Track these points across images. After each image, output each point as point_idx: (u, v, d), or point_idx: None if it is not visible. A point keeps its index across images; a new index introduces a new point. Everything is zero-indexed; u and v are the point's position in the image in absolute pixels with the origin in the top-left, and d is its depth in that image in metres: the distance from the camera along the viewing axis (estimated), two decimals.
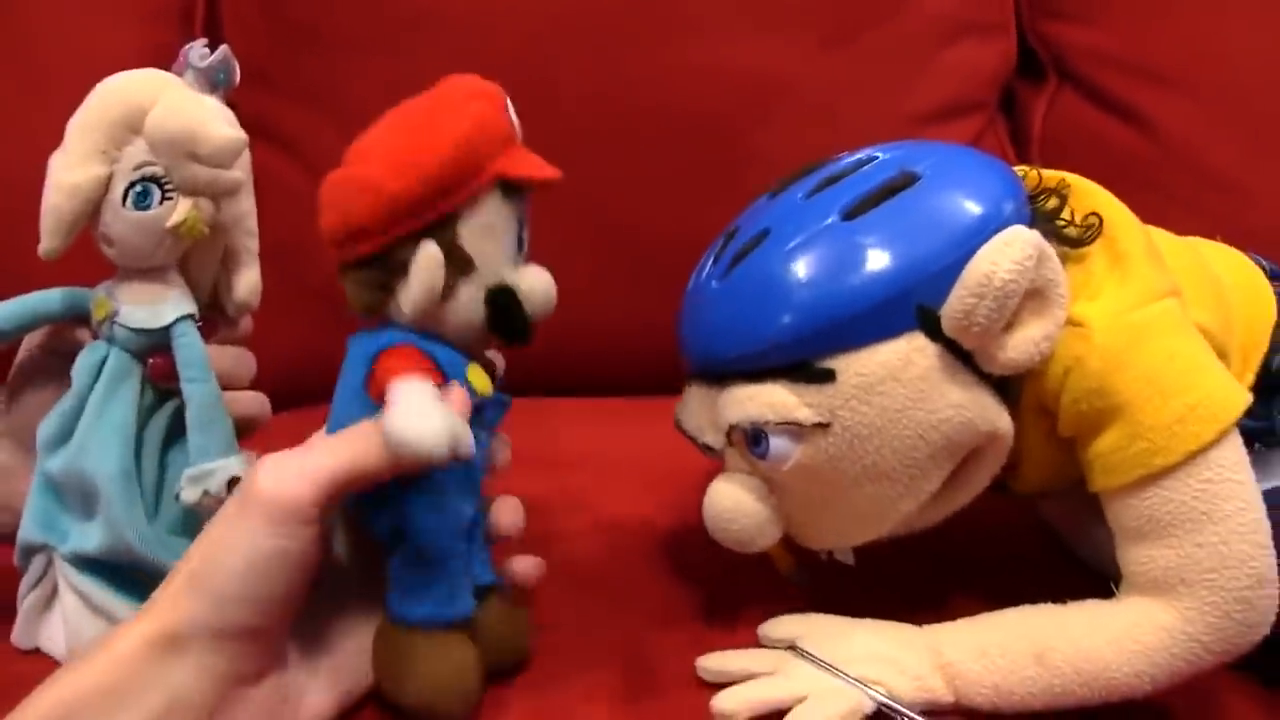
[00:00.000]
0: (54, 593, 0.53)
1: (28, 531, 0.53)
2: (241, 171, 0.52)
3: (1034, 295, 0.46)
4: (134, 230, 0.51)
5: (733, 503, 0.50)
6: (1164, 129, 0.88)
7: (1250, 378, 0.52)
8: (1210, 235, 0.59)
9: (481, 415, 0.47)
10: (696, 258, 0.54)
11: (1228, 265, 0.56)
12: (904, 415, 0.47)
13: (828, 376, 0.47)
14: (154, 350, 0.53)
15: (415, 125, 0.46)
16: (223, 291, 0.56)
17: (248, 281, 0.55)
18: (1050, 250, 0.46)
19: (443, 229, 0.45)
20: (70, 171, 0.49)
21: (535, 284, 0.48)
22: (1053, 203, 0.51)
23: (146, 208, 0.50)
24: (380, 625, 0.48)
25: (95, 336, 0.53)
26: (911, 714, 0.48)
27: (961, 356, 0.47)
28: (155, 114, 0.50)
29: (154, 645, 0.41)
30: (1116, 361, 0.47)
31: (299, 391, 0.68)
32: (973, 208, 0.47)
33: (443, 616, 0.47)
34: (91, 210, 0.50)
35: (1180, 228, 0.56)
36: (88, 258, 0.51)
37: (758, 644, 0.53)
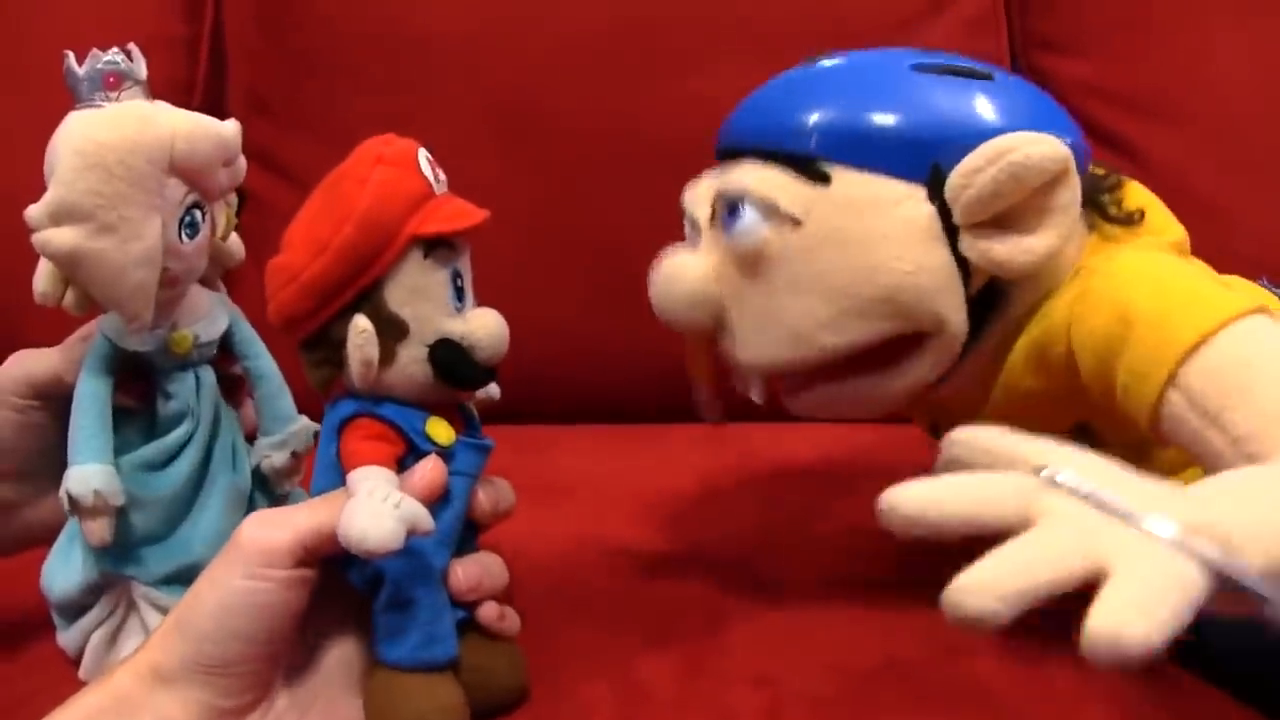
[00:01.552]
0: (122, 623, 0.54)
1: (100, 570, 0.52)
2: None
3: (1042, 210, 0.47)
4: (195, 258, 0.51)
5: (684, 264, 0.51)
6: (1151, 158, 0.89)
7: None
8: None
9: (450, 463, 0.47)
10: None
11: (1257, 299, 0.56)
12: (870, 245, 0.48)
13: (824, 178, 0.48)
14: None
15: (323, 203, 0.47)
16: (217, 256, 0.55)
17: (236, 239, 0.56)
18: (1076, 181, 0.47)
19: (369, 300, 0.46)
20: (138, 241, 0.47)
21: (479, 328, 0.48)
22: (1108, 182, 0.52)
23: (197, 233, 0.50)
24: (368, 666, 0.48)
25: (151, 382, 0.53)
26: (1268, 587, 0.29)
27: (950, 233, 0.48)
28: (180, 148, 0.49)
29: (143, 678, 0.43)
30: (1119, 278, 0.47)
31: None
32: (1030, 116, 0.48)
33: (423, 659, 0.47)
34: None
35: None
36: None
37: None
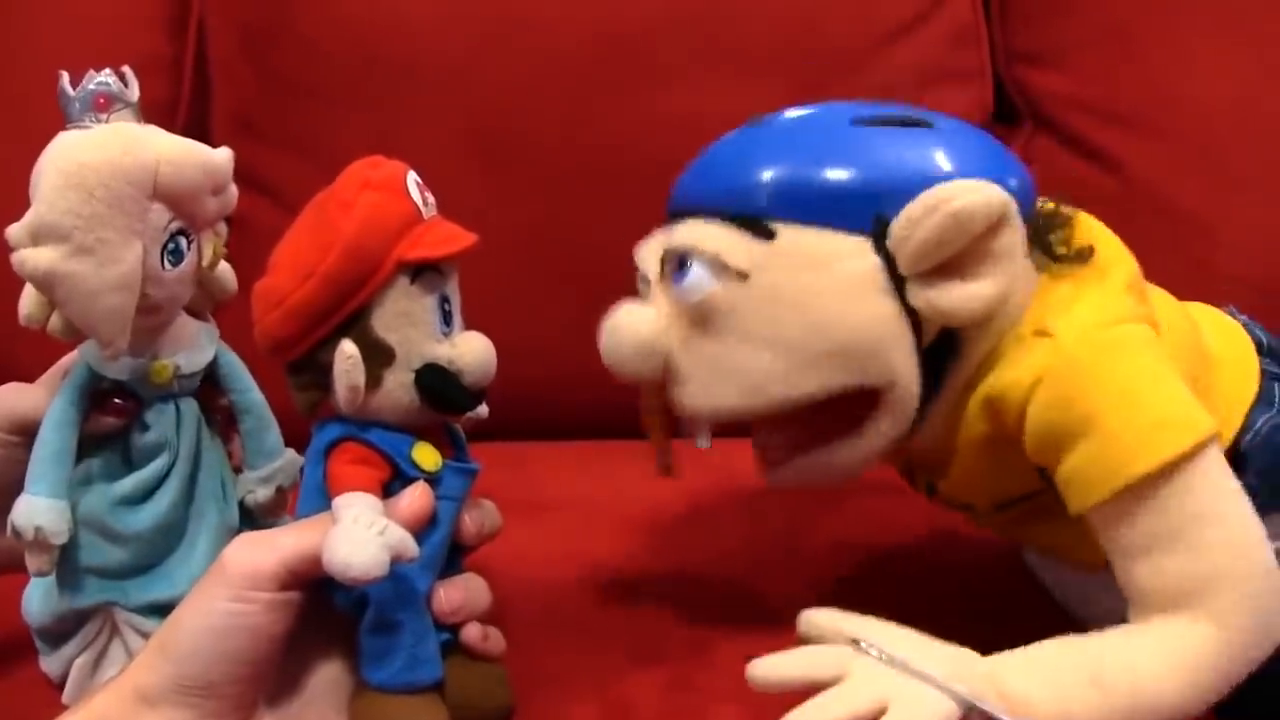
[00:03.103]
0: (105, 649, 0.54)
1: (82, 597, 0.52)
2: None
3: (985, 255, 0.47)
4: (177, 286, 0.50)
5: (633, 317, 0.51)
6: (1133, 172, 0.90)
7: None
8: (1180, 276, 0.59)
9: (436, 488, 0.48)
10: None
11: (1222, 338, 0.56)
12: (817, 299, 0.48)
13: (769, 234, 0.48)
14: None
15: (310, 226, 0.47)
16: (206, 285, 0.55)
17: (229, 271, 0.56)
18: (1019, 224, 0.47)
19: (356, 325, 0.46)
20: (115, 265, 0.47)
21: (467, 352, 0.48)
22: (1055, 220, 0.52)
23: (180, 260, 0.50)
24: (355, 688, 0.48)
25: (140, 402, 0.52)
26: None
27: (897, 284, 0.48)
28: (165, 173, 0.48)
29: (126, 700, 0.43)
30: (1087, 371, 0.47)
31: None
32: (973, 163, 0.49)
33: (408, 682, 0.47)
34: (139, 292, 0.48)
35: (1148, 267, 0.57)
36: None
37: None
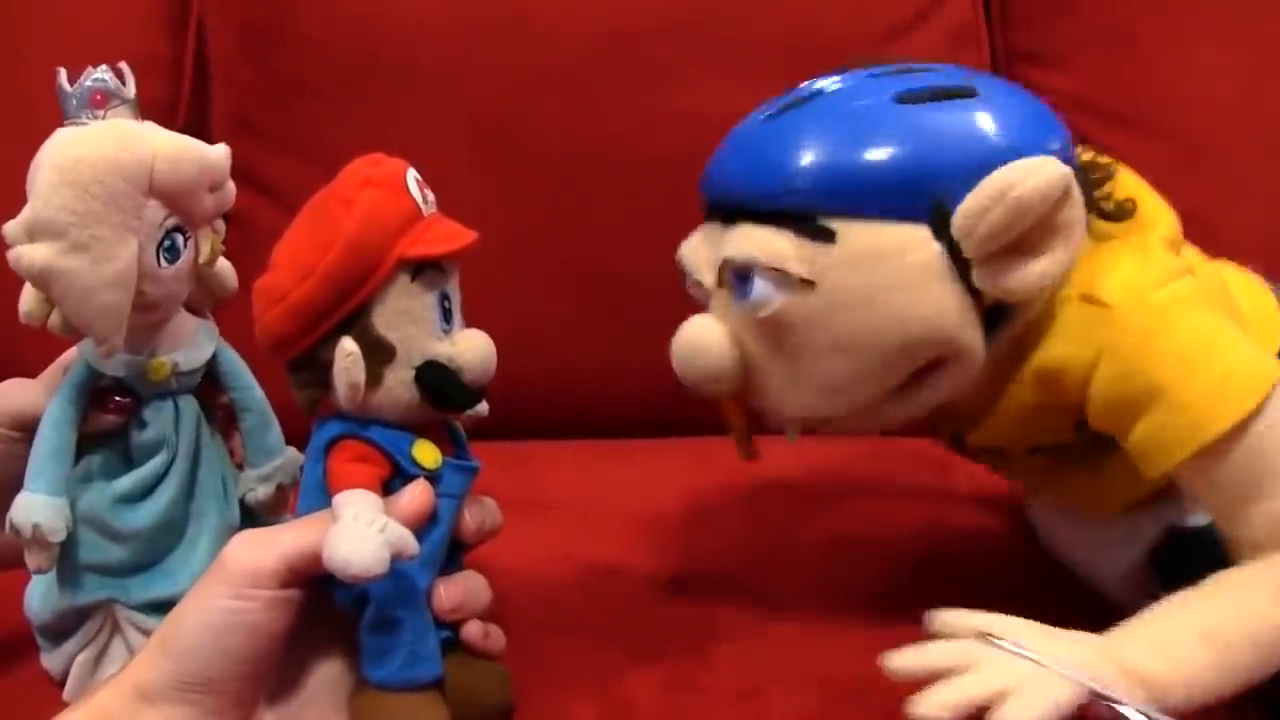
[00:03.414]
0: (106, 647, 0.54)
1: (83, 594, 0.52)
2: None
3: (1050, 231, 0.47)
4: (174, 283, 0.50)
5: (705, 335, 0.51)
6: (1132, 169, 0.90)
7: None
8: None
9: (436, 486, 0.48)
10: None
11: (1246, 293, 0.57)
12: (887, 297, 0.47)
13: (828, 236, 0.47)
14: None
15: (310, 224, 0.47)
16: (206, 282, 0.55)
17: (229, 269, 0.56)
18: (1079, 195, 0.47)
19: (356, 322, 0.46)
20: (110, 262, 0.47)
21: (467, 350, 0.47)
22: (1099, 172, 0.52)
23: (177, 258, 0.50)
24: (355, 685, 0.48)
25: (139, 399, 0.52)
26: (1130, 704, 0.44)
27: (960, 266, 0.47)
28: (161, 170, 0.48)
29: (127, 697, 0.43)
30: (1146, 342, 0.47)
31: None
32: (1019, 131, 0.48)
33: (408, 679, 0.47)
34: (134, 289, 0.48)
35: None
36: None
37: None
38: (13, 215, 0.47)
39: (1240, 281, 0.58)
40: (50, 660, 0.54)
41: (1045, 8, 0.95)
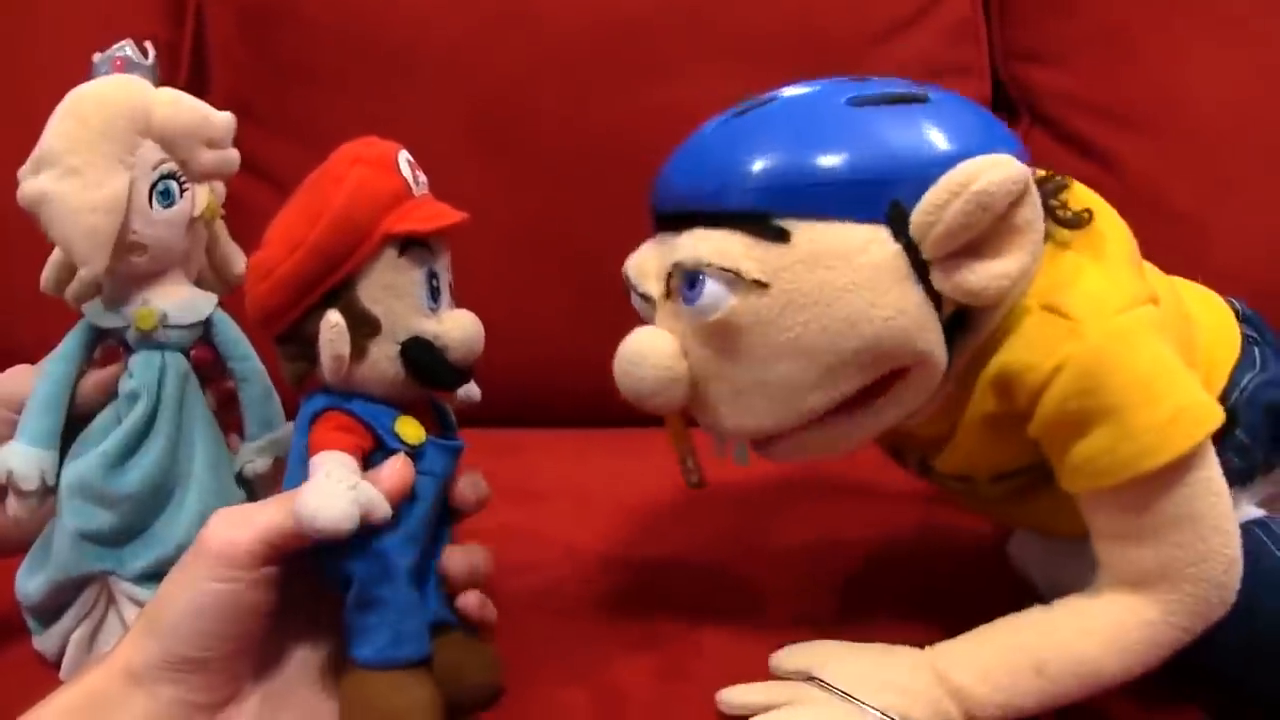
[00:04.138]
0: (101, 621, 0.54)
1: (78, 566, 0.53)
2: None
3: (1009, 230, 0.46)
4: (166, 229, 0.52)
5: (648, 346, 0.49)
6: (1130, 170, 0.90)
7: None
8: (1175, 274, 0.60)
9: (418, 463, 0.48)
10: None
11: (1202, 305, 0.57)
12: (843, 297, 0.46)
13: (782, 236, 0.46)
14: (193, 344, 0.55)
15: (301, 201, 0.47)
16: (219, 270, 0.57)
17: (240, 255, 0.58)
18: (1038, 195, 0.46)
19: (342, 296, 0.46)
20: (99, 188, 0.49)
21: (453, 328, 0.48)
22: (1053, 185, 0.51)
23: (171, 204, 0.52)
24: (342, 665, 0.48)
25: (128, 349, 0.54)
26: None
27: (920, 269, 0.46)
28: (163, 111, 0.51)
29: (117, 677, 0.44)
30: (1110, 362, 0.47)
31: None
32: (974, 135, 0.47)
33: (393, 658, 0.47)
34: (122, 221, 0.50)
35: None
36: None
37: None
38: (11, 191, 0.50)
39: (1197, 295, 0.58)
40: (43, 642, 0.55)
41: (1044, 6, 0.95)
